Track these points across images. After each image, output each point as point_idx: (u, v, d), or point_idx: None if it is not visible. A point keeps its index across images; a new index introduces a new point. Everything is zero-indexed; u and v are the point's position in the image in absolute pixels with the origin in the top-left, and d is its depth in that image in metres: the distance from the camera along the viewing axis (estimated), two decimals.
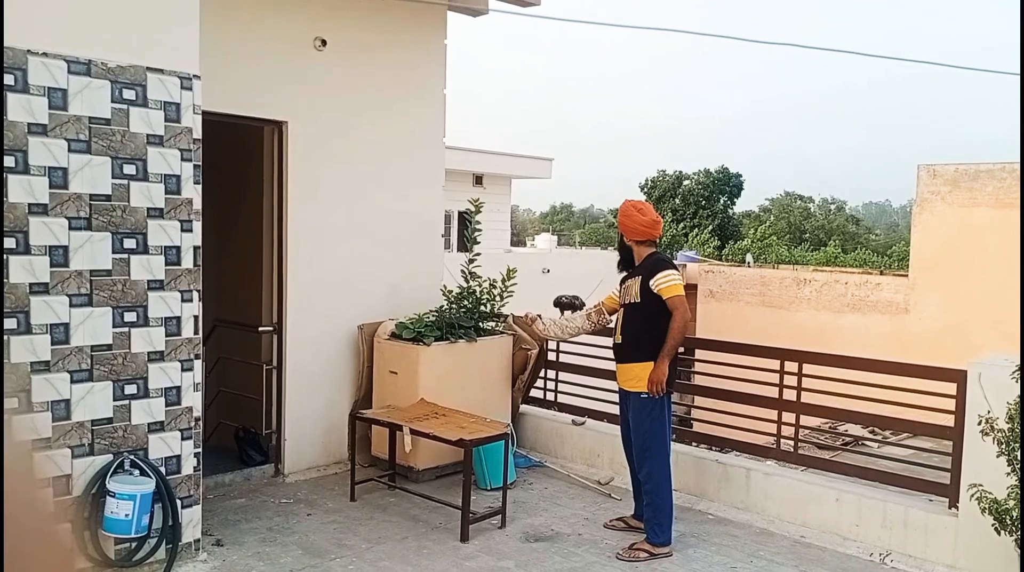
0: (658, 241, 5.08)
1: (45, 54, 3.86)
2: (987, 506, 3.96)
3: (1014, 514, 3.90)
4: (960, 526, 4.54)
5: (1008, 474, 3.99)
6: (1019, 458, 3.99)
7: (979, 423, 4.08)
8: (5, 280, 3.77)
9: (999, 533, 4.00)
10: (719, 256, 28.09)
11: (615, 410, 5.53)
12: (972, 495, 4.05)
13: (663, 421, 4.81)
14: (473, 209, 6.62)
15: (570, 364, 6.88)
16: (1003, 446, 3.98)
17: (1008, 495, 3.95)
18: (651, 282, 4.75)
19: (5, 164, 3.75)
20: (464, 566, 4.56)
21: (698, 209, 36.73)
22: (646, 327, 4.79)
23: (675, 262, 6.09)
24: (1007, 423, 3.98)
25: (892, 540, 4.81)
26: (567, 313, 5.61)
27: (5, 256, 3.77)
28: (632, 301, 4.86)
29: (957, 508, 4.60)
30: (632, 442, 4.96)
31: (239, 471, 5.89)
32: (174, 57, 4.29)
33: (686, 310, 4.77)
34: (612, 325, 5.22)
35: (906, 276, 16.81)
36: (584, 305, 5.70)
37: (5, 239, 3.77)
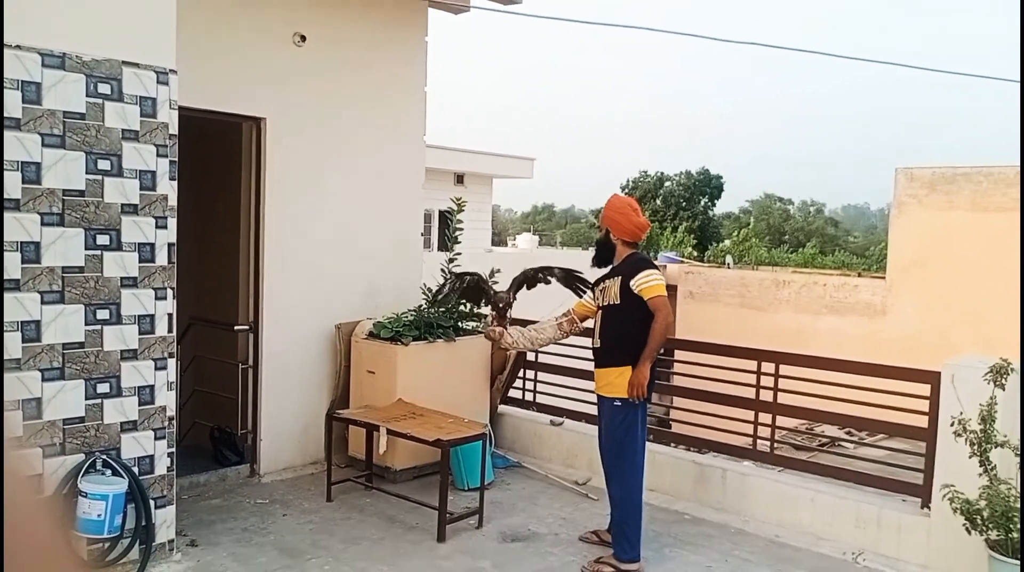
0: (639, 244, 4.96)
1: (19, 47, 3.80)
2: (959, 506, 4.00)
3: (985, 514, 3.94)
4: (932, 526, 4.58)
5: (980, 475, 4.03)
6: (997, 458, 4.04)
7: (952, 424, 4.12)
8: None
9: (970, 533, 4.04)
10: (700, 257, 28.23)
11: (594, 410, 5.50)
12: (944, 495, 4.09)
13: (636, 431, 4.58)
14: (454, 208, 6.60)
15: (549, 364, 6.88)
16: (975, 447, 4.03)
17: (979, 496, 3.99)
18: (632, 282, 4.54)
19: None
20: (440, 566, 4.55)
21: (679, 210, 36.89)
22: (625, 330, 4.59)
23: (656, 263, 5.95)
24: (979, 424, 4.03)
25: (865, 540, 4.85)
26: (537, 324, 5.25)
27: None
28: (611, 303, 4.65)
29: (929, 508, 4.64)
30: (603, 451, 4.78)
31: (214, 471, 5.84)
32: (150, 51, 4.25)
33: (669, 312, 4.55)
34: (590, 325, 5.13)
35: (884, 278, 16.96)
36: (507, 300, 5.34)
37: None
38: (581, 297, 5.21)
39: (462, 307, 6.39)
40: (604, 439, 4.75)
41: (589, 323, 4.99)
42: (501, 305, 5.20)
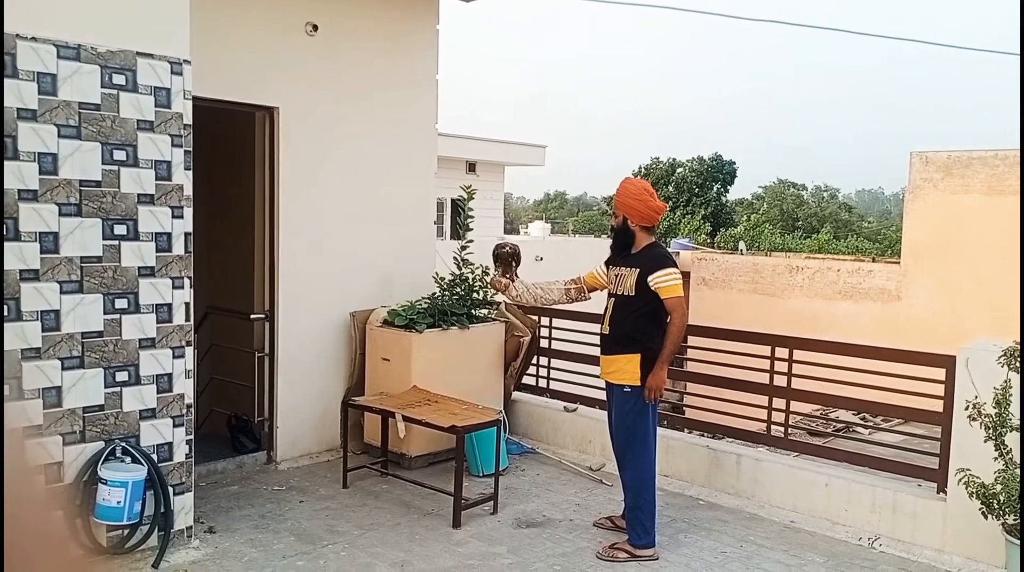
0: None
1: (34, 38, 3.83)
2: (974, 491, 3.99)
3: (1001, 498, 3.94)
4: (948, 510, 4.58)
5: (995, 459, 4.02)
6: (1012, 441, 4.02)
7: (967, 408, 4.10)
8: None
9: (986, 517, 4.04)
10: (711, 243, 28.14)
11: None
12: (960, 480, 4.08)
13: (646, 417, 4.59)
14: (466, 196, 6.61)
15: (562, 351, 6.89)
16: (990, 431, 4.01)
17: (995, 480, 3.98)
18: (650, 278, 4.51)
19: None
20: (456, 552, 4.58)
21: (691, 196, 36.72)
22: (637, 321, 4.58)
23: (670, 251, 5.88)
24: (994, 408, 4.01)
25: (881, 525, 4.85)
26: (544, 283, 5.21)
27: None
28: (625, 293, 4.62)
29: (945, 493, 4.63)
30: (614, 437, 4.81)
31: (231, 458, 5.89)
32: (164, 42, 4.27)
33: (685, 312, 4.55)
34: (593, 302, 5.08)
35: (898, 263, 16.86)
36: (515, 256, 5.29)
37: None
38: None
39: (475, 294, 6.40)
40: (615, 425, 4.77)
41: (595, 298, 4.97)
42: (508, 257, 5.20)
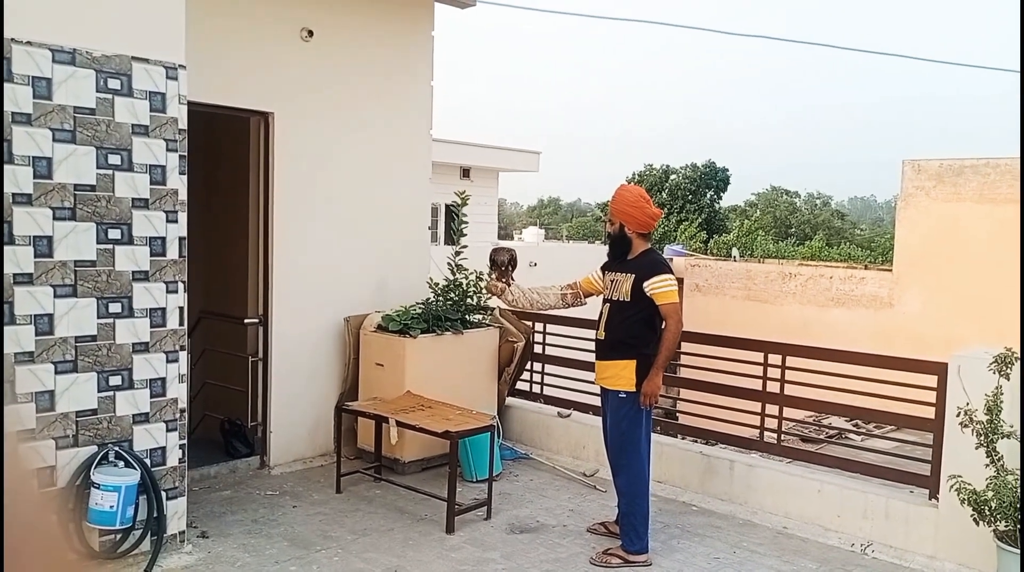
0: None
1: (29, 43, 3.83)
2: (966, 497, 4.01)
3: (992, 505, 3.96)
4: (940, 517, 4.60)
5: (987, 466, 4.04)
6: (1004, 448, 4.04)
7: (958, 415, 4.13)
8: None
9: (978, 524, 4.05)
10: (705, 250, 28.20)
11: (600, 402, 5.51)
12: (952, 486, 4.10)
13: (640, 423, 4.59)
14: (460, 202, 6.62)
15: (556, 357, 6.90)
16: (982, 438, 4.04)
17: (987, 486, 4.00)
18: (645, 285, 4.53)
19: None
20: (450, 557, 4.58)
21: (685, 203, 36.79)
22: (632, 327, 4.59)
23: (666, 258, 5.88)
24: (986, 415, 4.04)
25: (873, 531, 4.86)
26: (540, 287, 5.18)
27: None
28: (621, 299, 4.64)
29: (937, 499, 4.65)
30: (608, 443, 4.82)
31: (224, 463, 5.88)
32: (159, 46, 4.27)
33: (680, 319, 4.57)
34: (589, 307, 5.08)
35: (890, 271, 16.92)
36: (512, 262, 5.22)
37: None
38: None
39: (469, 300, 6.41)
40: (609, 431, 4.78)
41: (590, 303, 4.98)
42: (504, 262, 5.15)
